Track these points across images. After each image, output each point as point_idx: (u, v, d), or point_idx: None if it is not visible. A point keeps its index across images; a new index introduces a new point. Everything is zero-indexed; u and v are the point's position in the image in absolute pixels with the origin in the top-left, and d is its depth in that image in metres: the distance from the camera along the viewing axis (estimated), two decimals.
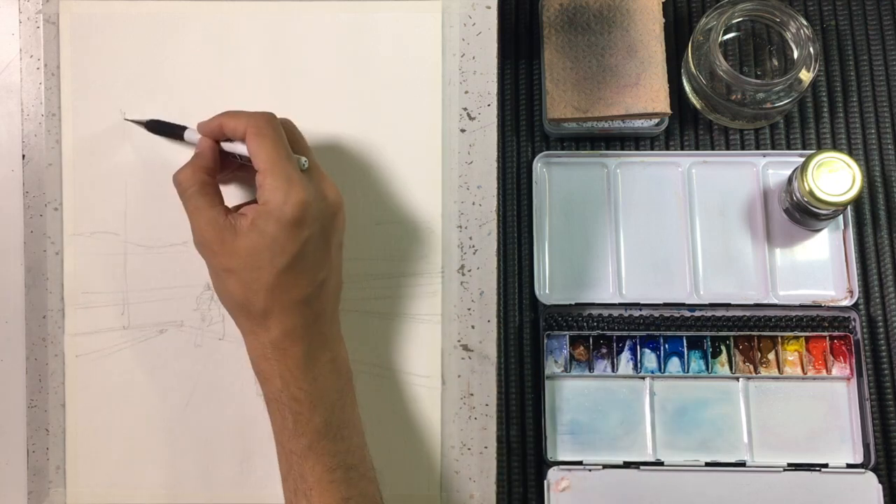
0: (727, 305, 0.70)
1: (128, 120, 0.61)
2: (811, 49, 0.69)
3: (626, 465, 0.68)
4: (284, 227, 0.50)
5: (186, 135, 0.59)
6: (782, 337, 0.70)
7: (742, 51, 0.75)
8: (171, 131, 0.61)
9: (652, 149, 0.74)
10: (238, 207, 0.56)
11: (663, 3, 0.73)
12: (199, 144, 0.56)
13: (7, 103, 0.63)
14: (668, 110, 0.71)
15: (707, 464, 0.68)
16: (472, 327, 0.62)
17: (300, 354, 0.52)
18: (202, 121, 0.56)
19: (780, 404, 0.70)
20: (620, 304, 0.71)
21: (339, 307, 0.56)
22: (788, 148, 0.74)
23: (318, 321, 0.53)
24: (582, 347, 0.71)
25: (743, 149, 0.74)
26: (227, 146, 0.55)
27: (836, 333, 0.70)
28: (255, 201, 0.54)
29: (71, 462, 0.62)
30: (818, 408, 0.69)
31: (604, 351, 0.71)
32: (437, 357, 0.62)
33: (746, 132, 0.74)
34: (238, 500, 0.61)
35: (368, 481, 0.54)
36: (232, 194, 0.60)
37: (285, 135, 0.53)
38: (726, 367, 0.70)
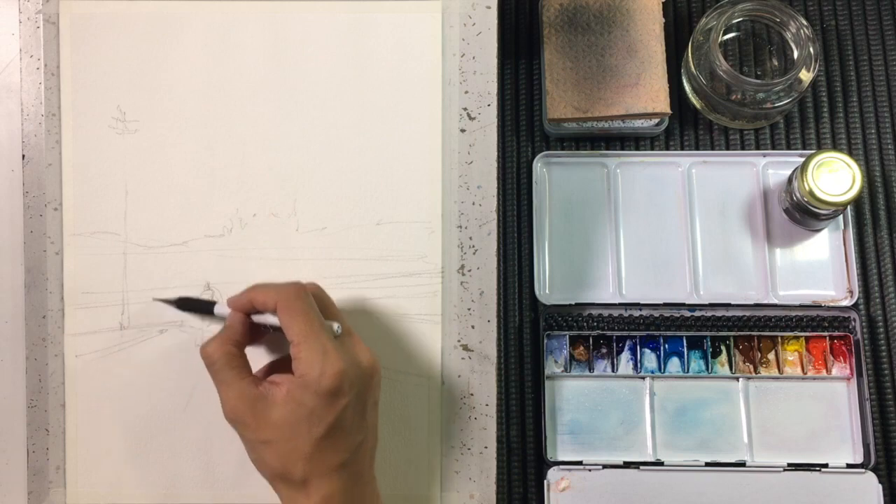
0: (727, 305, 0.70)
1: (157, 300, 0.61)
2: (811, 49, 0.69)
3: (626, 465, 0.68)
4: (322, 399, 0.51)
5: (216, 309, 0.59)
6: (782, 337, 0.70)
7: (742, 51, 0.75)
8: (201, 307, 0.60)
9: (652, 149, 0.74)
10: (266, 371, 0.56)
11: (663, 3, 0.73)
12: (230, 318, 0.56)
13: (7, 103, 0.63)
14: (668, 110, 0.71)
15: (707, 464, 0.68)
16: (472, 327, 0.62)
17: None
18: (232, 296, 0.56)
19: (780, 404, 0.70)
20: (620, 304, 0.71)
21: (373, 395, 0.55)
22: (788, 148, 0.74)
23: (357, 483, 0.53)
24: (582, 347, 0.71)
25: (743, 149, 0.74)
26: (258, 318, 0.55)
27: (836, 333, 0.70)
28: (279, 360, 0.56)
29: (71, 462, 0.62)
30: (818, 408, 0.69)
31: (604, 351, 0.71)
32: (437, 357, 0.62)
33: (746, 132, 0.74)
34: (238, 500, 0.61)
35: None
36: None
37: (315, 303, 0.53)
38: (726, 367, 0.70)
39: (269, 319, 0.55)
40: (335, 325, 0.53)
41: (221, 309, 0.58)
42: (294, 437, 0.51)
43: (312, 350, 0.51)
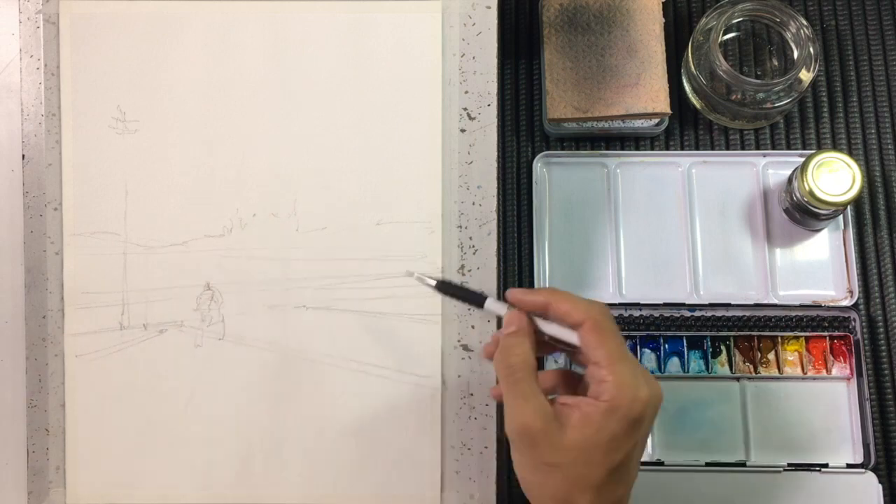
0: (727, 305, 0.70)
1: (411, 274, 0.55)
2: (811, 49, 0.69)
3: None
4: (627, 426, 0.48)
5: (488, 304, 0.54)
6: (782, 337, 0.70)
7: (742, 51, 0.75)
8: (466, 296, 0.55)
9: (652, 149, 0.74)
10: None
11: (663, 3, 0.73)
12: (515, 320, 0.52)
13: (7, 103, 0.63)
14: (668, 110, 0.71)
15: (707, 464, 0.68)
16: (472, 327, 0.62)
17: None
18: (516, 290, 0.53)
19: (780, 404, 0.69)
20: (620, 304, 0.71)
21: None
22: (788, 148, 0.74)
23: None
24: None
25: (743, 149, 0.74)
26: (546, 327, 0.52)
27: (836, 333, 0.70)
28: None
29: (71, 462, 0.62)
30: (818, 408, 0.69)
31: None
32: (437, 357, 0.62)
33: (746, 132, 0.74)
34: (238, 500, 0.61)
35: None
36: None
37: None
38: (726, 367, 0.70)
39: (557, 330, 0.51)
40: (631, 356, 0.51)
41: (494, 305, 0.54)
42: (588, 464, 0.48)
43: (624, 375, 0.48)
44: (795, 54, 0.71)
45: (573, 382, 0.53)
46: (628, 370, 0.49)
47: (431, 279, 0.55)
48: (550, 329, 0.52)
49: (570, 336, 0.51)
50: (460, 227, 0.63)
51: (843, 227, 0.72)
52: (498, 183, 0.63)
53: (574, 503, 0.49)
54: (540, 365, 0.64)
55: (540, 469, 0.50)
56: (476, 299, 0.54)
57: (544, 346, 0.54)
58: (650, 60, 0.71)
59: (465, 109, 0.63)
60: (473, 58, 0.63)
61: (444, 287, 0.55)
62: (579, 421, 0.49)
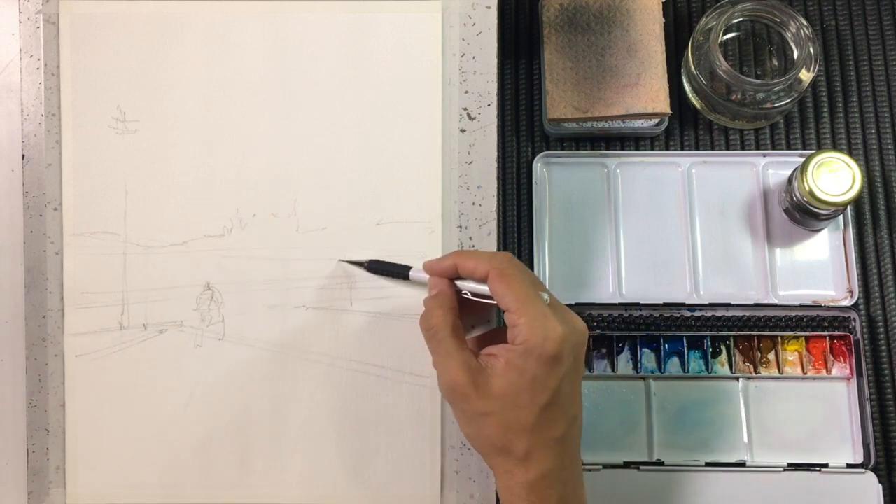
0: (727, 305, 0.70)
1: (343, 261, 0.61)
2: (811, 49, 0.69)
3: (626, 465, 0.68)
4: (545, 365, 0.50)
5: (412, 274, 0.59)
6: (782, 337, 0.70)
7: (742, 51, 0.75)
8: (394, 271, 0.60)
9: (652, 149, 0.74)
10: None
11: (663, 3, 0.73)
12: (436, 284, 0.56)
13: (7, 103, 0.63)
14: (668, 110, 0.71)
15: (707, 464, 0.68)
16: (472, 327, 0.62)
17: (555, 499, 0.51)
18: (427, 260, 0.56)
19: (780, 404, 0.69)
20: (620, 304, 0.71)
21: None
22: (788, 148, 0.74)
23: (571, 463, 0.52)
24: None
25: (743, 149, 0.74)
26: (462, 285, 0.55)
27: (836, 333, 0.70)
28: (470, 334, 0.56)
29: (71, 462, 0.62)
30: (818, 408, 0.69)
31: (603, 351, 0.70)
32: None
33: (746, 132, 0.74)
34: (238, 500, 0.61)
35: None
36: None
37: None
38: (726, 367, 0.70)
39: (473, 286, 0.54)
40: (545, 295, 0.52)
41: (418, 274, 0.58)
42: (517, 408, 0.50)
43: (533, 316, 0.50)
44: (795, 54, 0.71)
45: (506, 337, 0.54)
46: (536, 312, 0.50)
47: (361, 261, 0.60)
48: (467, 286, 0.55)
49: (483, 288, 0.54)
50: (460, 227, 0.63)
51: (843, 227, 0.72)
52: (498, 183, 0.63)
53: (512, 446, 0.51)
54: None
55: (475, 420, 0.52)
56: (402, 272, 0.60)
57: (478, 308, 0.57)
58: (650, 60, 0.71)
59: (465, 109, 0.63)
60: (473, 58, 0.63)
61: (375, 266, 0.60)
62: (502, 368, 0.51)
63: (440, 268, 0.56)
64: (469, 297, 0.55)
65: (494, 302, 0.53)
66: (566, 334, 0.50)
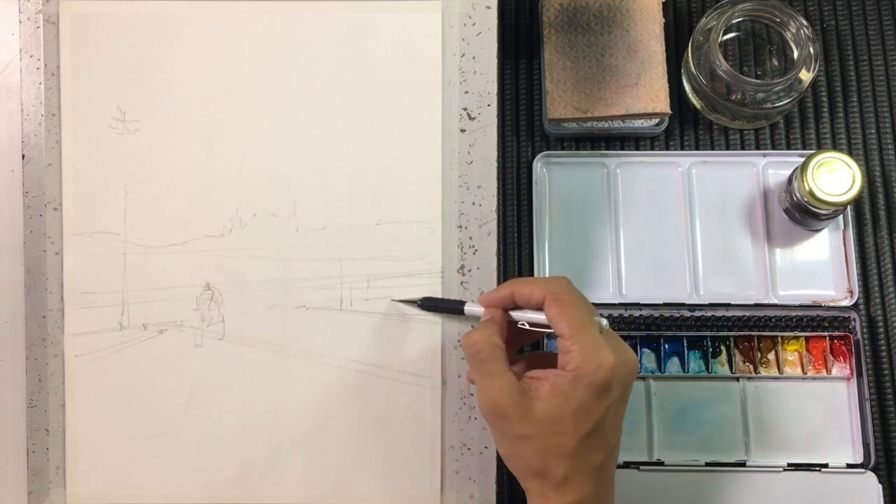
0: (727, 305, 0.70)
1: (395, 301, 0.61)
2: (811, 49, 0.69)
3: (626, 465, 0.68)
4: (593, 393, 0.50)
5: (467, 308, 0.59)
6: (782, 337, 0.70)
7: (742, 51, 0.75)
8: (447, 307, 0.60)
9: (652, 149, 0.74)
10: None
11: (663, 3, 0.73)
12: (488, 314, 0.56)
13: (7, 103, 0.63)
14: (668, 110, 0.71)
15: (707, 464, 0.68)
16: (472, 327, 0.62)
17: None
18: (485, 294, 0.56)
19: (780, 404, 0.69)
20: (620, 304, 0.71)
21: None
22: (788, 148, 0.74)
23: (607, 492, 0.52)
24: None
25: (743, 149, 0.74)
26: (517, 315, 0.55)
27: (836, 333, 0.70)
28: (521, 359, 0.56)
29: (71, 462, 0.62)
30: (818, 408, 0.69)
31: None
32: (437, 357, 0.62)
33: (746, 132, 0.74)
34: (238, 500, 0.61)
35: None
36: None
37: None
38: (726, 367, 0.70)
39: (529, 316, 0.54)
40: (603, 322, 0.52)
41: (473, 308, 0.58)
42: (559, 433, 0.50)
43: (586, 344, 0.50)
44: (795, 54, 0.71)
45: (553, 361, 0.54)
46: (590, 339, 0.50)
47: (414, 299, 0.61)
48: (523, 316, 0.55)
49: (539, 317, 0.54)
50: (460, 227, 0.63)
51: (843, 227, 0.72)
52: (498, 183, 0.63)
53: (550, 471, 0.51)
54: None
55: (515, 442, 0.51)
56: (456, 307, 0.59)
57: (530, 335, 0.57)
58: (650, 60, 0.71)
59: (465, 109, 0.63)
60: (473, 58, 0.63)
61: (428, 304, 0.61)
62: (547, 392, 0.50)
63: (495, 298, 0.55)
64: (526, 327, 0.55)
65: (550, 331, 0.53)
66: (617, 364, 0.50)
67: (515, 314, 0.55)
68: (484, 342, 0.53)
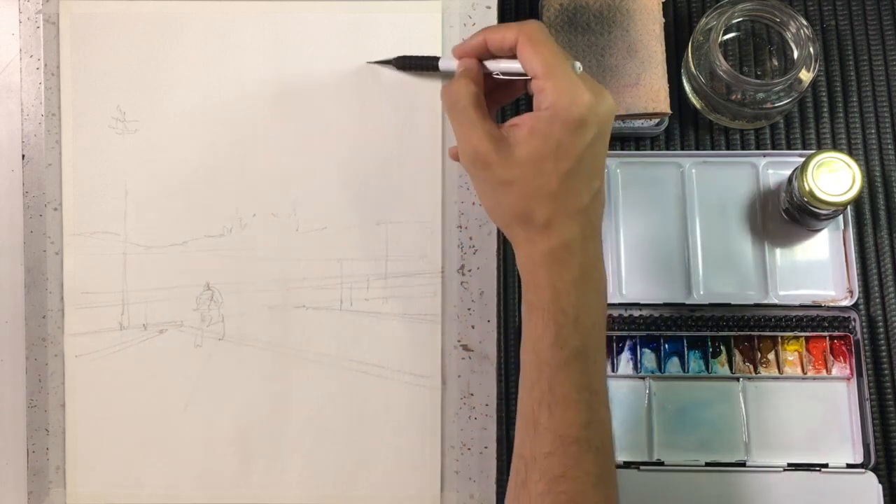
0: (727, 305, 0.70)
1: (371, 63, 0.60)
2: (811, 49, 0.69)
3: (626, 465, 0.68)
4: (570, 130, 0.49)
5: (441, 63, 0.58)
6: (782, 337, 0.70)
7: (742, 51, 0.75)
8: (423, 64, 0.59)
9: (652, 149, 0.74)
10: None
11: (663, 3, 0.73)
12: (464, 63, 0.55)
13: (7, 103, 0.63)
14: (668, 110, 0.71)
15: (707, 464, 0.68)
16: (472, 327, 0.62)
17: (576, 267, 0.51)
18: (457, 44, 0.55)
19: (780, 404, 0.69)
20: (620, 304, 0.71)
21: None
22: (788, 148, 0.74)
23: (592, 235, 0.52)
24: None
25: (743, 149, 0.74)
26: (490, 64, 0.54)
27: (836, 333, 0.70)
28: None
29: (71, 462, 0.62)
30: (818, 408, 0.69)
31: None
32: (437, 357, 0.62)
33: (746, 132, 0.74)
34: (238, 500, 0.61)
35: (607, 411, 0.53)
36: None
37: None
38: (726, 367, 0.70)
39: (504, 65, 0.53)
40: (577, 65, 0.51)
41: (447, 63, 0.57)
42: (540, 174, 0.50)
43: (560, 80, 0.49)
44: (795, 54, 0.71)
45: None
46: (564, 75, 0.50)
47: (388, 59, 0.60)
48: (497, 65, 0.54)
49: (514, 64, 0.53)
50: (460, 227, 0.63)
51: (843, 227, 0.72)
52: None
53: (534, 214, 0.50)
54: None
55: (497, 189, 0.51)
56: (431, 63, 0.58)
57: (508, 92, 0.56)
58: (650, 60, 0.71)
59: None
60: None
61: (402, 62, 0.60)
62: (526, 135, 0.50)
63: (469, 47, 0.54)
64: (501, 77, 0.54)
65: (527, 77, 0.52)
66: (593, 102, 0.50)
67: (490, 64, 0.54)
68: (461, 90, 0.52)
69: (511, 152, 0.50)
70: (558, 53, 0.51)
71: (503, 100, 0.59)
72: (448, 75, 0.58)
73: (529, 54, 0.51)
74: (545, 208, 0.50)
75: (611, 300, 0.71)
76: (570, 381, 0.50)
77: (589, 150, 0.50)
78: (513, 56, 0.53)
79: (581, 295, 0.51)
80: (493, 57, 0.55)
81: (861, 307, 0.71)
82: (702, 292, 0.71)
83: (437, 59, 0.58)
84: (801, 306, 0.70)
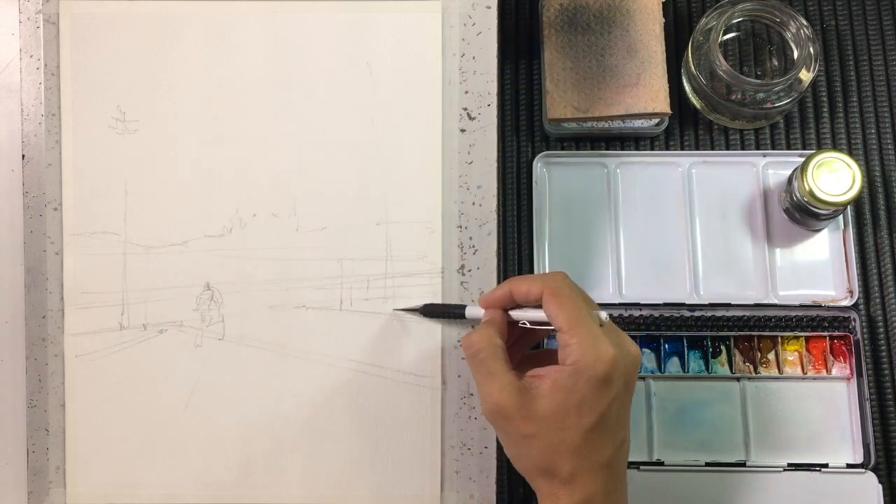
0: (727, 305, 0.70)
1: (397, 310, 0.61)
2: (811, 49, 0.69)
3: (627, 465, 0.68)
4: (594, 387, 0.49)
5: (468, 312, 0.58)
6: (782, 337, 0.70)
7: (742, 51, 0.75)
8: (449, 312, 0.60)
9: (652, 149, 0.74)
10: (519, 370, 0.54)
11: (663, 3, 0.73)
12: (489, 314, 0.55)
13: (7, 103, 0.63)
14: (668, 110, 0.71)
15: (707, 464, 0.68)
16: (472, 327, 0.62)
17: None
18: (484, 294, 0.56)
19: (780, 404, 0.69)
20: (620, 304, 0.71)
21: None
22: (788, 148, 0.74)
23: (616, 488, 0.51)
24: None
25: (743, 149, 0.74)
26: (516, 314, 0.55)
27: (836, 333, 0.70)
28: (524, 358, 0.56)
29: (71, 462, 0.62)
30: (818, 408, 0.69)
31: None
32: (437, 357, 0.62)
33: (746, 132, 0.74)
34: (238, 500, 0.61)
35: None
36: None
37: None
38: (726, 367, 0.70)
39: (529, 315, 0.54)
40: (602, 315, 0.52)
41: (474, 311, 0.58)
42: (563, 429, 0.49)
43: (585, 336, 0.49)
44: (795, 54, 0.71)
45: (555, 359, 0.53)
46: (588, 332, 0.50)
47: (416, 307, 0.60)
48: (523, 315, 0.54)
49: (539, 314, 0.53)
50: (460, 227, 0.63)
51: (843, 227, 0.72)
52: (498, 183, 0.63)
53: (557, 469, 0.50)
54: None
55: (519, 442, 0.51)
56: (458, 311, 0.59)
57: (533, 336, 0.57)
58: (650, 60, 0.71)
59: (465, 109, 0.63)
60: (473, 58, 0.63)
61: (429, 310, 0.60)
62: (548, 389, 0.50)
63: (494, 298, 0.55)
64: (527, 325, 0.54)
65: (552, 328, 0.52)
66: (618, 356, 0.50)
67: (515, 313, 0.55)
68: (483, 342, 0.53)
69: (533, 406, 0.50)
70: (582, 308, 0.51)
71: (531, 342, 0.59)
72: (475, 322, 0.59)
73: (554, 310, 0.51)
74: (568, 463, 0.50)
75: (611, 300, 0.71)
76: None
77: (614, 405, 0.50)
78: (538, 306, 0.53)
79: None
80: (519, 306, 0.55)
81: (861, 307, 0.71)
82: (702, 292, 0.71)
83: (463, 307, 0.59)
84: (801, 306, 0.70)
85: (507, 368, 0.52)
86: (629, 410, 0.52)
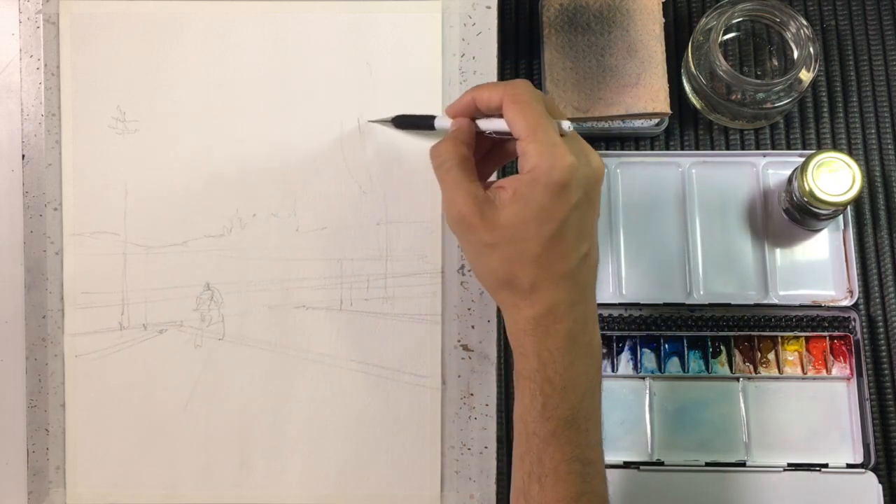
0: (727, 305, 0.70)
1: (371, 121, 0.60)
2: (811, 49, 0.69)
3: (626, 465, 0.68)
4: (552, 193, 0.48)
5: (437, 122, 0.58)
6: (782, 337, 0.70)
7: (742, 51, 0.75)
8: (419, 123, 0.59)
9: (652, 149, 0.74)
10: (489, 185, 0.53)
11: (663, 3, 0.73)
12: (456, 123, 0.54)
13: (7, 103, 0.63)
14: (668, 110, 0.71)
15: (707, 464, 0.68)
16: (472, 327, 0.62)
17: (562, 334, 0.50)
18: (450, 104, 0.55)
19: (779, 404, 0.69)
20: (620, 304, 0.71)
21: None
22: (788, 148, 0.74)
23: (581, 298, 0.51)
24: None
25: (743, 149, 0.74)
26: (482, 123, 0.54)
27: (836, 333, 0.70)
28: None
29: (71, 462, 0.62)
30: (818, 408, 0.69)
31: (603, 351, 0.70)
32: (437, 357, 0.62)
33: (746, 132, 0.74)
34: (238, 500, 0.61)
35: (602, 479, 0.52)
36: None
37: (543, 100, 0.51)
38: (726, 367, 0.70)
39: (495, 124, 0.53)
40: (565, 123, 0.50)
41: (442, 121, 0.57)
42: (523, 239, 0.49)
43: (542, 143, 0.49)
44: (795, 54, 0.71)
45: None
46: (546, 138, 0.49)
47: (387, 118, 0.60)
48: (489, 124, 0.53)
49: (498, 124, 0.52)
50: None
51: (843, 227, 0.72)
52: None
53: (517, 278, 0.50)
54: None
55: (481, 252, 0.51)
56: (427, 122, 0.58)
57: (504, 152, 0.56)
58: (650, 60, 0.71)
59: None
60: (473, 58, 0.63)
61: (400, 121, 0.60)
62: (509, 198, 0.49)
63: (460, 106, 0.54)
64: (494, 136, 0.54)
65: (511, 135, 0.52)
66: (576, 164, 0.49)
67: (482, 123, 0.54)
68: (448, 152, 0.52)
69: (495, 215, 0.50)
70: (542, 114, 0.50)
71: (503, 159, 0.58)
72: (444, 133, 0.58)
73: (513, 115, 0.50)
74: (529, 273, 0.49)
75: (611, 300, 0.71)
76: (561, 453, 0.50)
77: (574, 214, 0.49)
78: (501, 115, 0.52)
79: (569, 363, 0.50)
80: (486, 116, 0.54)
81: (861, 307, 0.71)
82: (702, 292, 0.71)
83: (433, 118, 0.58)
84: (801, 306, 0.70)
85: (471, 178, 0.51)
86: (593, 224, 0.51)
